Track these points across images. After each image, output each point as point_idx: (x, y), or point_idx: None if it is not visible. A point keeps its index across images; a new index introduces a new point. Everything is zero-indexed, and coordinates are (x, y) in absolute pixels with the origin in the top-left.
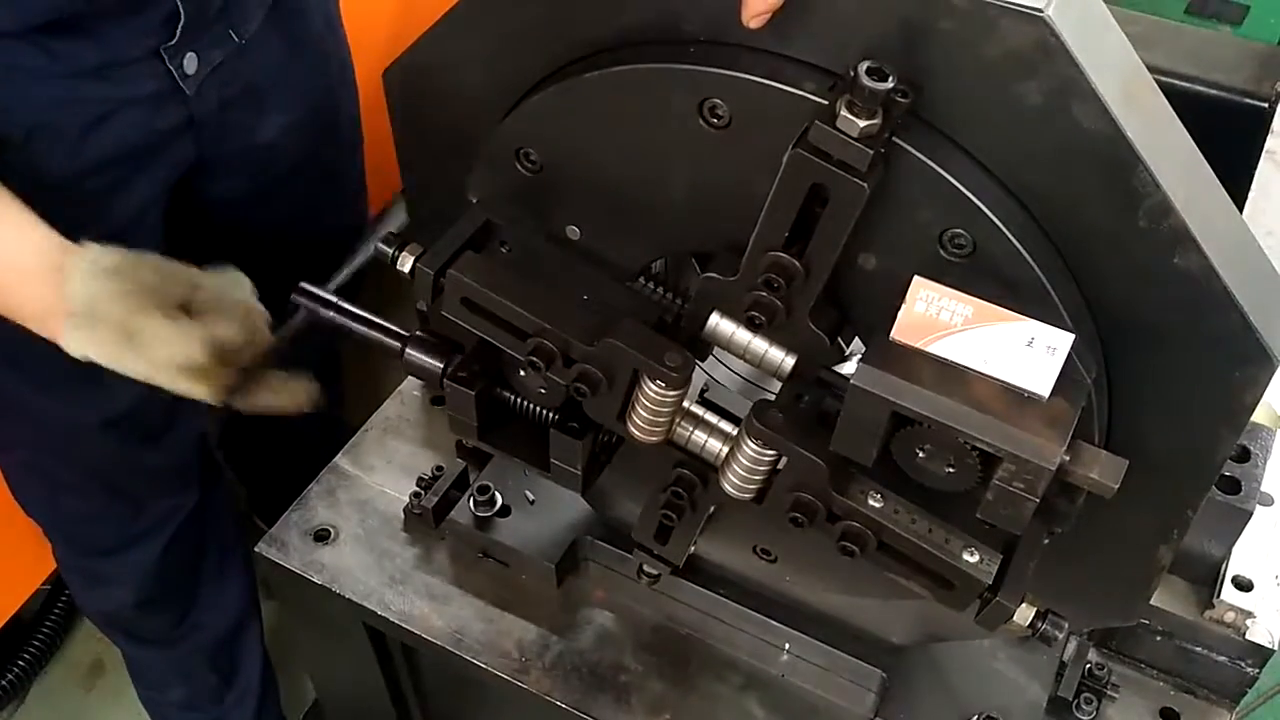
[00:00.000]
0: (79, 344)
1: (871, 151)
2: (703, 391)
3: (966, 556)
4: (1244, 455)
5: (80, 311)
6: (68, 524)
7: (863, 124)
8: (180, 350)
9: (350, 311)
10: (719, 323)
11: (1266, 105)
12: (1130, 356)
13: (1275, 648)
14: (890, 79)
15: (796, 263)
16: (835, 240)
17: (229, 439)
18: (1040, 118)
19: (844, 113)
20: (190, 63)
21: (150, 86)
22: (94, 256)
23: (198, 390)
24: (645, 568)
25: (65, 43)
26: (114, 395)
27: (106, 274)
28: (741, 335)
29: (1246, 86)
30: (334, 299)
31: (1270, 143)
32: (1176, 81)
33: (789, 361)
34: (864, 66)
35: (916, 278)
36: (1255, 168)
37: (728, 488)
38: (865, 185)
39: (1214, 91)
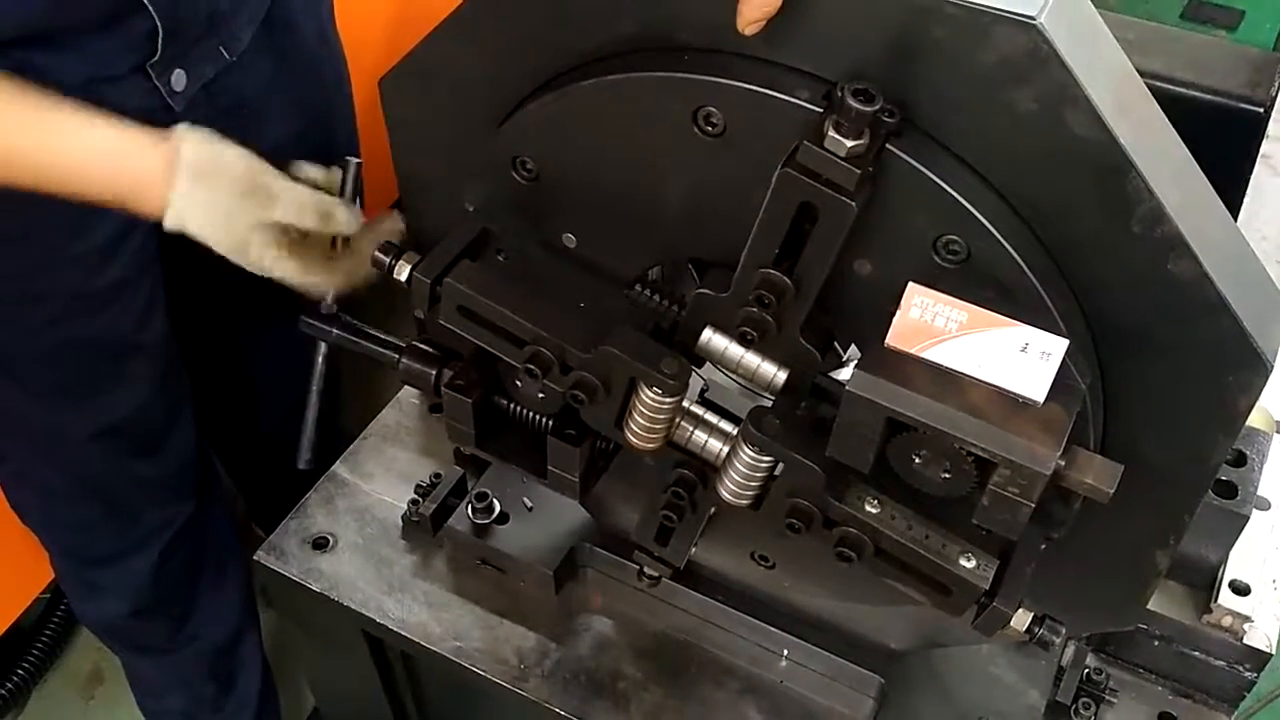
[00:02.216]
0: (200, 202)
1: (859, 171)
2: (703, 392)
3: (963, 562)
4: (1240, 460)
5: (201, 164)
6: (63, 533)
7: (850, 144)
8: (301, 207)
9: (350, 324)
10: (711, 338)
11: (1261, 110)
12: (1125, 362)
13: (1273, 651)
14: (876, 100)
15: (787, 279)
16: (825, 257)
17: (226, 447)
18: (1033, 124)
19: (831, 133)
20: (179, 80)
21: (137, 103)
22: (190, 126)
23: (289, 267)
24: (646, 570)
25: (47, 57)
26: (108, 405)
27: (213, 137)
28: (734, 350)
29: (1242, 91)
30: (335, 316)
31: (1265, 147)
32: (1172, 87)
33: (781, 376)
34: (851, 88)
35: (911, 284)
36: (1250, 172)
37: (725, 494)
38: (853, 204)
39: (1209, 97)
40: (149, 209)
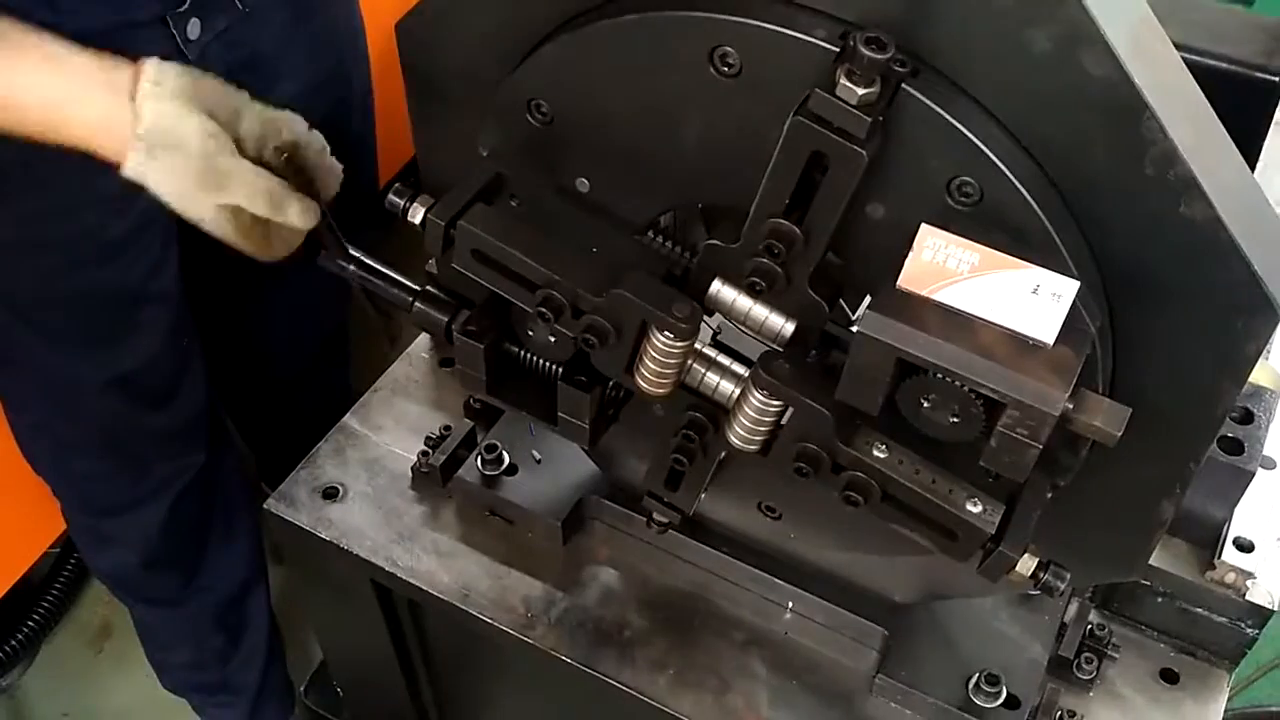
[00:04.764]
0: (155, 172)
1: (870, 119)
2: (715, 335)
3: (970, 507)
4: (1247, 417)
5: (157, 138)
6: (75, 483)
7: (861, 92)
8: (253, 195)
9: (367, 264)
10: (720, 289)
11: (1277, 79)
12: (1135, 305)
13: (1275, 609)
14: (888, 49)
15: (796, 229)
16: (835, 206)
17: (237, 403)
18: (1049, 64)
19: (843, 81)
20: (194, 28)
21: (153, 51)
22: (157, 75)
23: (246, 243)
24: (655, 516)
25: (80, 2)
26: (120, 355)
27: (178, 96)
28: (742, 302)
29: (1257, 60)
30: (353, 252)
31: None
32: (1187, 55)
33: (789, 328)
34: (863, 36)
35: (924, 225)
36: (1263, 140)
37: (734, 439)
38: (864, 152)
39: (1224, 65)
40: (110, 158)
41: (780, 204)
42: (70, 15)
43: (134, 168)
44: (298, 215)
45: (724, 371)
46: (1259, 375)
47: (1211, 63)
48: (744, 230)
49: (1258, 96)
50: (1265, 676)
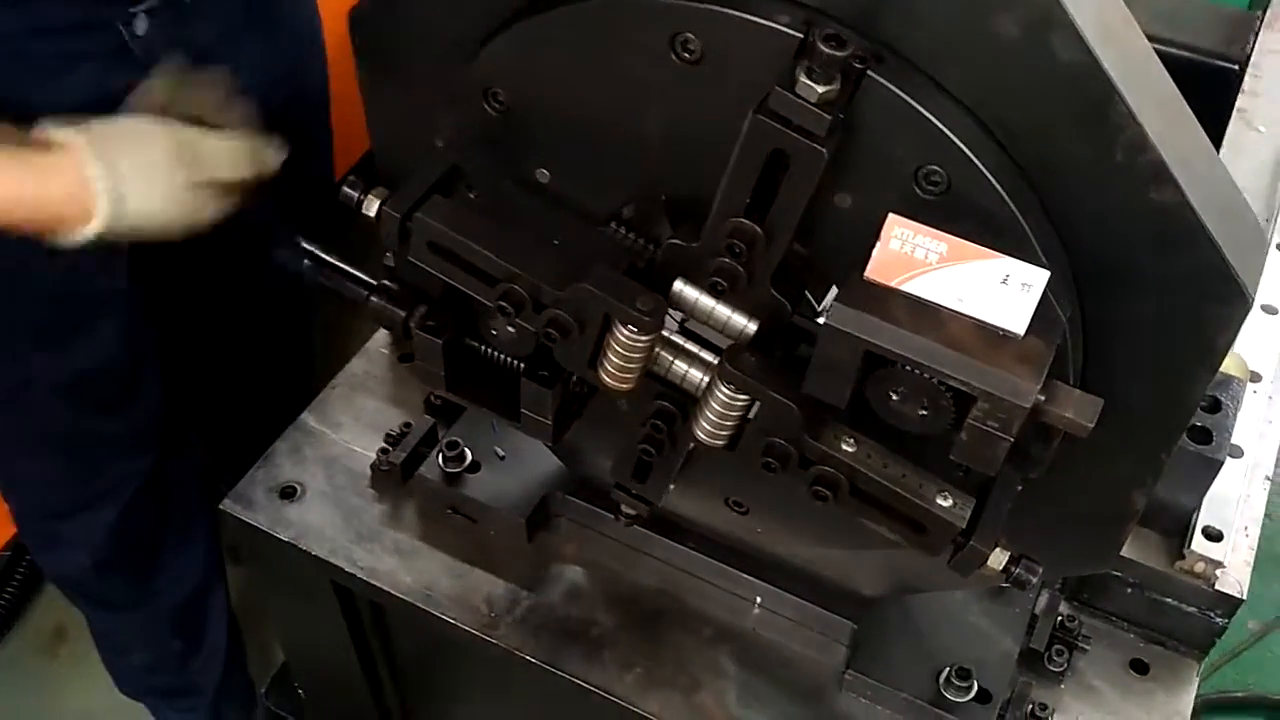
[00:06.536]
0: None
1: (830, 117)
2: (683, 323)
3: (940, 500)
4: (1215, 406)
5: (113, 192)
6: (23, 485)
7: (821, 90)
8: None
9: (322, 259)
10: (683, 289)
11: (1236, 68)
12: (1105, 294)
13: (1243, 597)
14: (848, 46)
15: (758, 228)
16: (797, 204)
17: (195, 403)
18: (1017, 50)
19: (803, 79)
20: (140, 24)
21: (102, 45)
22: (90, 138)
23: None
24: (623, 509)
25: (45, 6)
26: (71, 356)
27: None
28: (705, 302)
29: (1218, 49)
30: (310, 247)
31: (1241, 101)
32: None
33: (751, 327)
34: (822, 33)
35: (891, 215)
36: (1225, 128)
37: (701, 434)
38: (824, 150)
39: (1185, 53)
40: (79, 225)
41: (741, 202)
42: (34, 17)
43: (107, 191)
44: (275, 159)
45: (691, 359)
46: (1227, 365)
47: (1173, 51)
48: (705, 229)
49: (1219, 85)
50: (1229, 663)
